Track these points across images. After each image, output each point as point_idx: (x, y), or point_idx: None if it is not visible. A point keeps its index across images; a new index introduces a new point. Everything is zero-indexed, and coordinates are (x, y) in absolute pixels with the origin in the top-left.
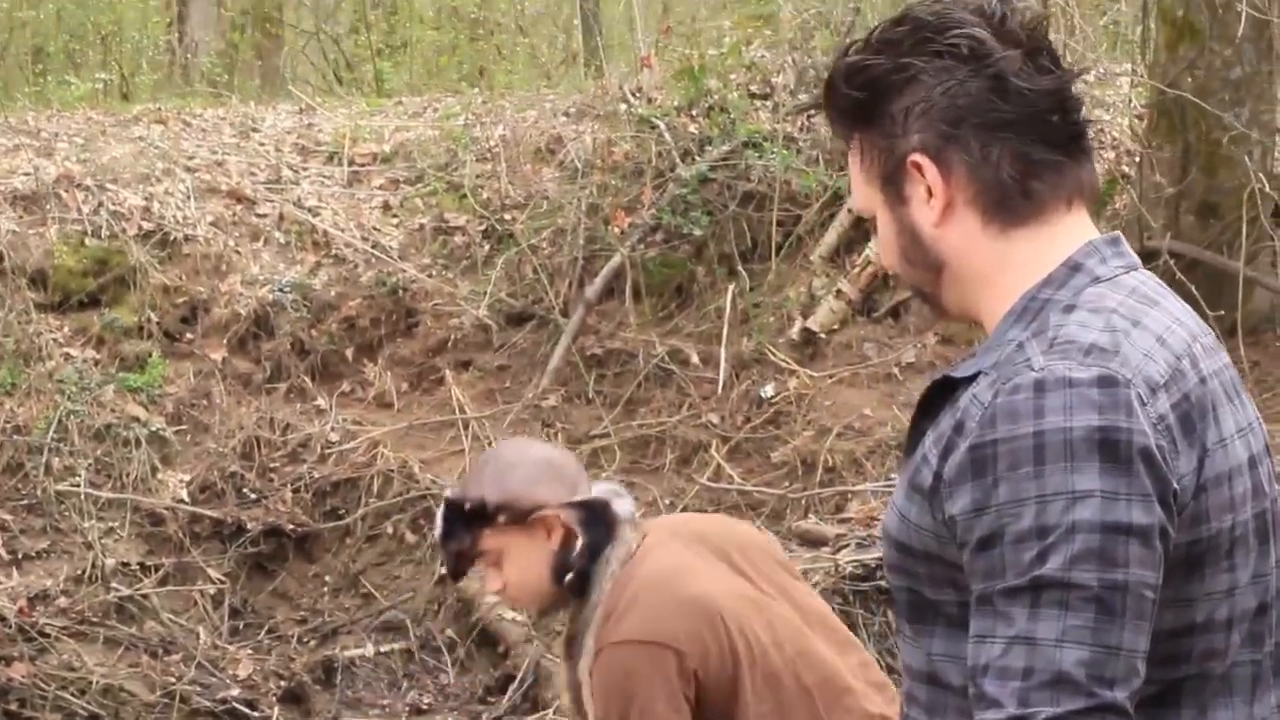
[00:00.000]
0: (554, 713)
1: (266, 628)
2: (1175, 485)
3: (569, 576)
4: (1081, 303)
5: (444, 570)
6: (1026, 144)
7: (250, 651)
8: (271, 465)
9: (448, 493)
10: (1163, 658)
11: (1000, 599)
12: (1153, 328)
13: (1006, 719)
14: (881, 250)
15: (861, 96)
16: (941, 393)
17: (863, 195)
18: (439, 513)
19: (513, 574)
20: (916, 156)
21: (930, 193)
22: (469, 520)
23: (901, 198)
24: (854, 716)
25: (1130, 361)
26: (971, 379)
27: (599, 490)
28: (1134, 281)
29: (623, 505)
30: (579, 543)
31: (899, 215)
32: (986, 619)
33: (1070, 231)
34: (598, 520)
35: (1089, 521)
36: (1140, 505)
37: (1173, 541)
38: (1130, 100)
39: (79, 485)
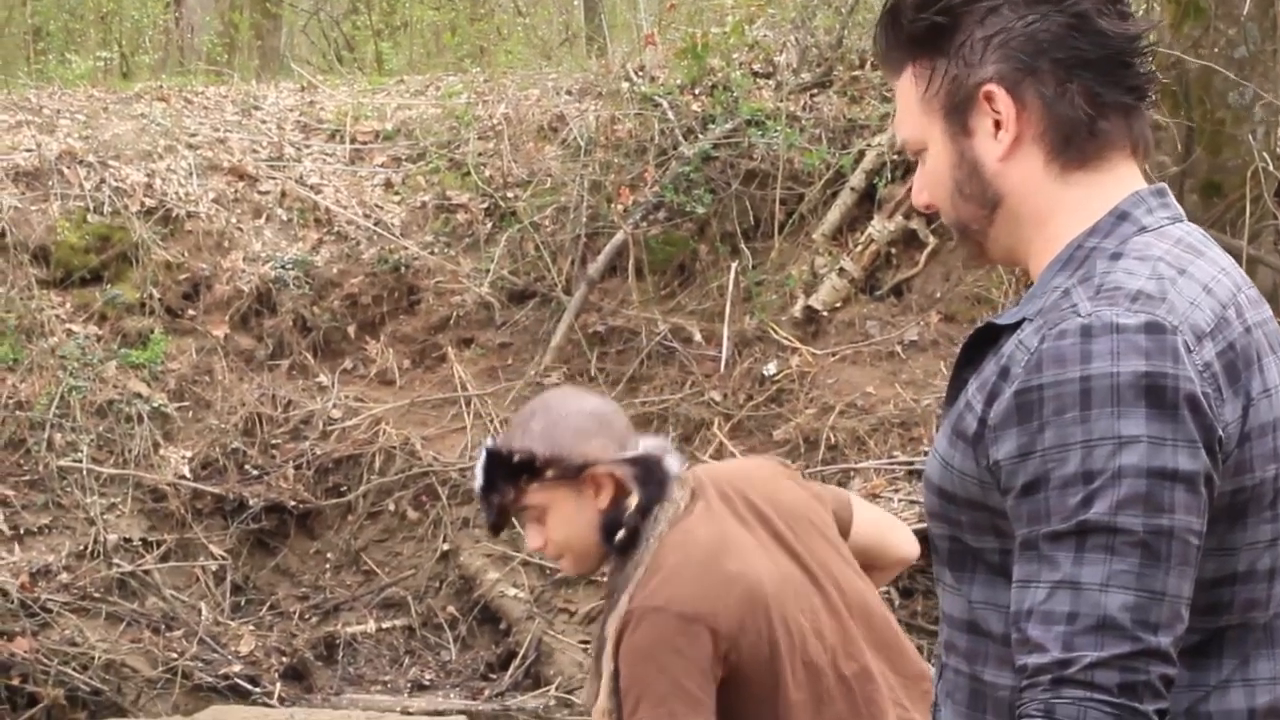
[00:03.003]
0: (555, 689)
1: (268, 604)
2: (1220, 432)
3: (621, 534)
4: (1128, 251)
5: (486, 522)
6: (1101, 85)
7: (252, 628)
8: (273, 442)
9: (490, 442)
10: (1204, 607)
11: (1045, 544)
12: (1199, 276)
13: (1050, 663)
14: (930, 185)
15: (942, 21)
16: (984, 341)
17: (918, 126)
18: (480, 462)
19: (556, 531)
20: (991, 87)
21: (999, 126)
22: (515, 473)
23: (966, 129)
24: (884, 713)
25: (1177, 309)
26: (1016, 326)
27: (647, 445)
28: (1179, 232)
29: (672, 461)
30: (633, 500)
31: (961, 147)
32: (1030, 564)
33: (1122, 181)
34: (650, 477)
35: (1135, 466)
36: (1186, 451)
37: (1217, 490)
38: None
39: (81, 461)
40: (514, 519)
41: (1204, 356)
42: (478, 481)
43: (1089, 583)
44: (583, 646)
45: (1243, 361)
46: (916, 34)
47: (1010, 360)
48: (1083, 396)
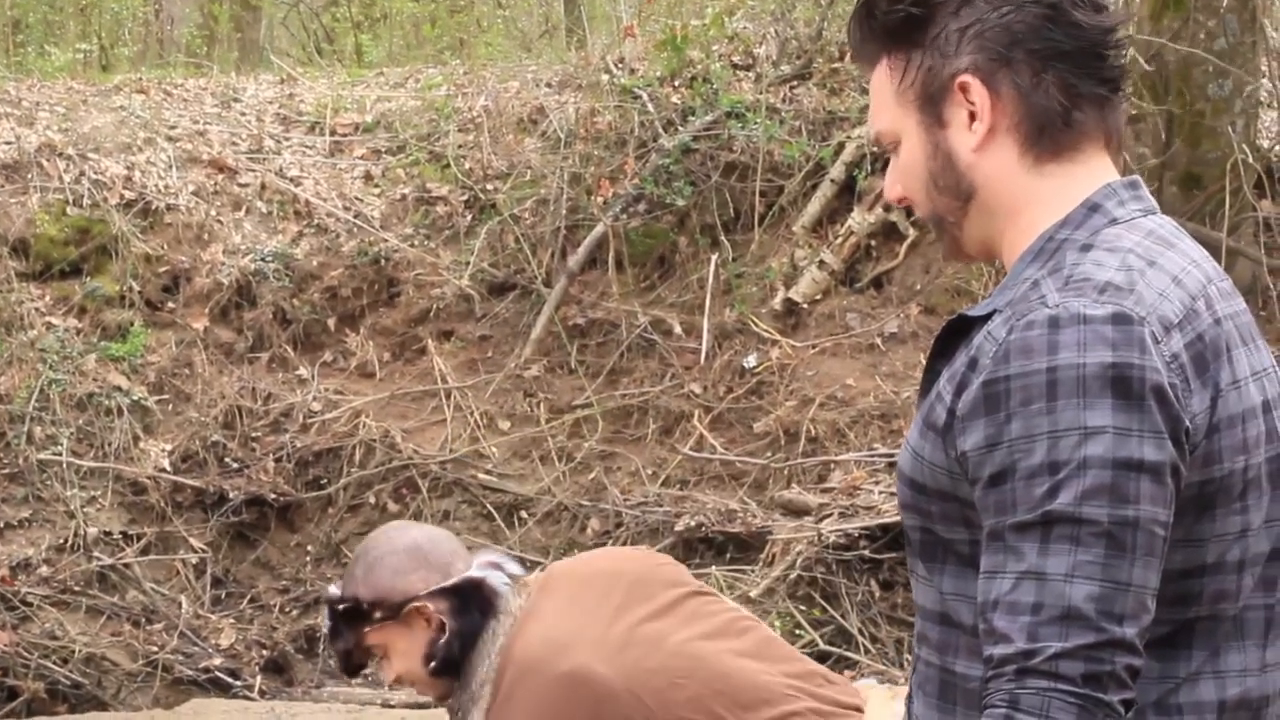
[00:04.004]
0: None
1: (249, 597)
2: (1187, 423)
3: (434, 663)
4: (1098, 242)
5: (339, 667)
6: (1076, 76)
7: (232, 621)
8: (253, 435)
9: (329, 589)
10: (1173, 598)
11: (1011, 534)
12: (1168, 268)
13: (1015, 653)
14: (904, 178)
15: (917, 13)
16: (957, 332)
17: (892, 118)
18: (324, 613)
19: (400, 666)
20: (965, 77)
21: (973, 117)
22: (349, 620)
23: (941, 120)
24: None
25: (1145, 300)
26: (987, 318)
27: (478, 563)
28: (1151, 224)
29: (498, 577)
30: (449, 628)
31: (935, 139)
32: (997, 554)
33: (1094, 173)
34: (470, 603)
35: (1101, 457)
36: (1152, 442)
37: (1184, 480)
38: None
39: (61, 454)
40: (368, 659)
41: (1172, 347)
42: (325, 630)
43: (1054, 573)
44: None
45: (1211, 353)
46: (891, 26)
47: (979, 351)
48: (1049, 387)
